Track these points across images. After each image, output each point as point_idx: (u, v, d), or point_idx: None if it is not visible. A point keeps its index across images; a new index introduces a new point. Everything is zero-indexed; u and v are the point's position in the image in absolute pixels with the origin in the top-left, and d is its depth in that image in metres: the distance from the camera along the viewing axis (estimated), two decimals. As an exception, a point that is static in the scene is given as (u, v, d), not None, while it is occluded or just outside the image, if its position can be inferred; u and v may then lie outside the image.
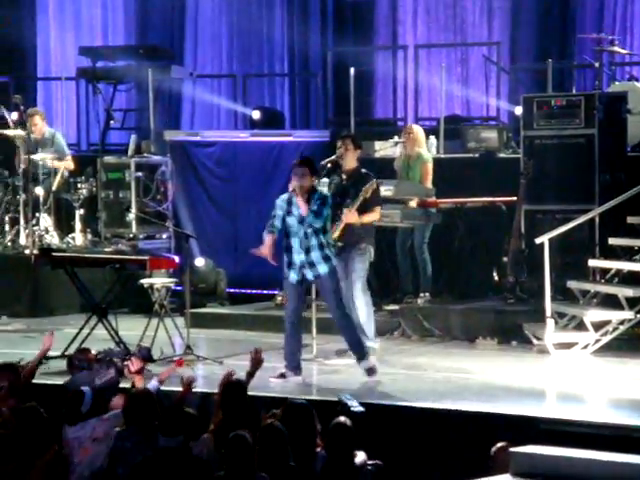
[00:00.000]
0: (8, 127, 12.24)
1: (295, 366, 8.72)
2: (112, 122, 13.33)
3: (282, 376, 8.70)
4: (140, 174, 12.48)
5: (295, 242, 8.75)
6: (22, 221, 12.09)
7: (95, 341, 9.63)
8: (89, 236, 12.36)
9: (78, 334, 9.56)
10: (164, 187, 12.63)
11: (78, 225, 12.24)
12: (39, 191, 12.16)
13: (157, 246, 12.27)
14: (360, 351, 8.77)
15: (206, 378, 8.92)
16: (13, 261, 11.96)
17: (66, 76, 14.28)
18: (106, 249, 11.99)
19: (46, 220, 12.16)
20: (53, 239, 12.06)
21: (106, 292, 9.80)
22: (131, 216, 12.18)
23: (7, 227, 12.24)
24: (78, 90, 14.53)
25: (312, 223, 8.67)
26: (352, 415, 6.57)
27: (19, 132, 12.22)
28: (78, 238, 12.19)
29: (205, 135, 13.21)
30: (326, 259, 8.73)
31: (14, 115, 12.54)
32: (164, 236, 12.63)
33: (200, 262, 12.14)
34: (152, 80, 13.06)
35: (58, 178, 12.29)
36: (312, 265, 8.70)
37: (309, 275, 8.74)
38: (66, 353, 9.33)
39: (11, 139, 12.38)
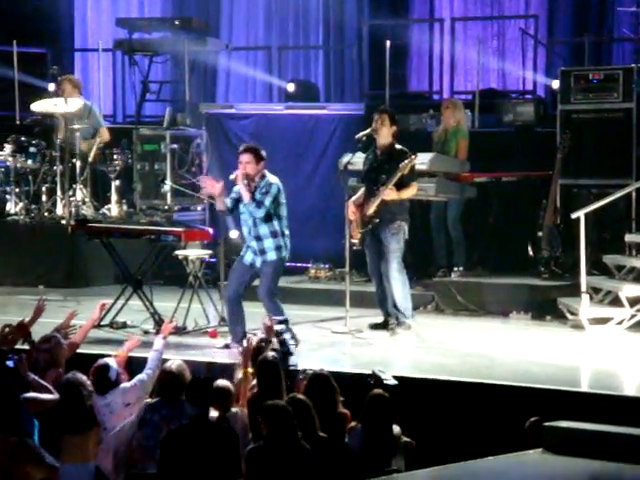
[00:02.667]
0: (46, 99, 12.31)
1: (240, 339, 8.68)
2: (148, 94, 13.35)
3: (226, 346, 8.84)
4: (175, 146, 12.51)
5: (245, 229, 8.96)
6: (59, 192, 12.17)
7: (130, 312, 9.72)
8: (124, 207, 12.41)
9: (113, 305, 9.64)
10: (199, 159, 12.65)
11: (114, 196, 12.29)
12: (76, 162, 12.23)
13: (192, 218, 12.30)
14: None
15: (239, 350, 8.95)
16: (50, 231, 12.04)
17: (103, 47, 14.31)
18: (141, 220, 12.04)
19: (82, 191, 12.23)
20: (89, 210, 12.14)
21: (141, 263, 9.87)
22: (166, 188, 12.22)
23: (44, 198, 12.33)
24: (115, 62, 14.58)
25: (252, 213, 8.79)
26: (385, 388, 6.59)
27: (56, 103, 12.26)
28: (114, 209, 12.26)
29: (240, 108, 13.21)
30: (277, 249, 8.85)
31: (51, 86, 12.59)
32: (199, 208, 12.66)
33: (234, 234, 12.14)
34: (188, 52, 13.07)
35: (94, 150, 12.34)
36: (263, 253, 8.87)
37: (258, 263, 8.90)
38: (102, 323, 9.41)
39: (49, 110, 12.43)
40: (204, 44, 13.58)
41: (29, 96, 13.22)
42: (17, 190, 12.29)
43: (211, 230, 10.22)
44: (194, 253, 9.99)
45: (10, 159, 12.27)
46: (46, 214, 12.23)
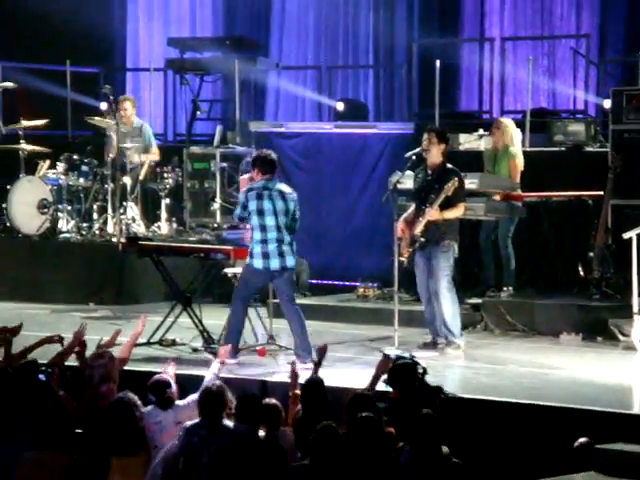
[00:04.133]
0: (99, 117, 12.43)
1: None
2: (198, 113, 13.44)
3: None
4: (225, 164, 12.57)
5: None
6: (110, 210, 12.26)
7: (180, 329, 9.75)
8: (174, 225, 12.49)
9: (163, 322, 9.67)
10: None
11: (164, 214, 12.37)
12: (127, 180, 12.32)
13: (241, 236, 12.32)
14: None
15: (287, 367, 8.96)
16: (101, 249, 12.13)
17: (154, 67, 14.43)
18: (191, 238, 12.10)
19: (133, 209, 12.31)
20: (139, 228, 12.21)
21: (190, 281, 9.90)
22: (216, 206, 12.27)
23: (95, 216, 12.42)
24: (166, 81, 14.69)
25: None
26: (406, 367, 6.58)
27: (108, 121, 12.38)
28: (163, 227, 12.33)
29: (289, 126, 13.26)
30: (249, 255, 9.07)
31: (103, 105, 12.70)
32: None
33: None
34: (238, 71, 13.14)
35: (145, 168, 12.43)
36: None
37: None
38: (151, 340, 9.45)
39: (101, 129, 12.55)
40: (254, 63, 13.66)
41: (81, 115, 13.36)
42: (69, 208, 12.40)
43: (260, 248, 10.22)
44: (243, 271, 9.97)
45: (63, 177, 12.39)
46: (97, 232, 12.32)
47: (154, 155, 12.60)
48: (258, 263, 8.99)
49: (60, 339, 7.76)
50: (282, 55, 15.07)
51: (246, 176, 9.18)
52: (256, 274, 9.05)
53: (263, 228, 8.98)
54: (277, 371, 8.82)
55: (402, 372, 6.90)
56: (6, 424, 6.34)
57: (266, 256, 8.97)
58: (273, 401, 6.69)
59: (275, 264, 8.97)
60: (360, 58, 14.89)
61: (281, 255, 8.99)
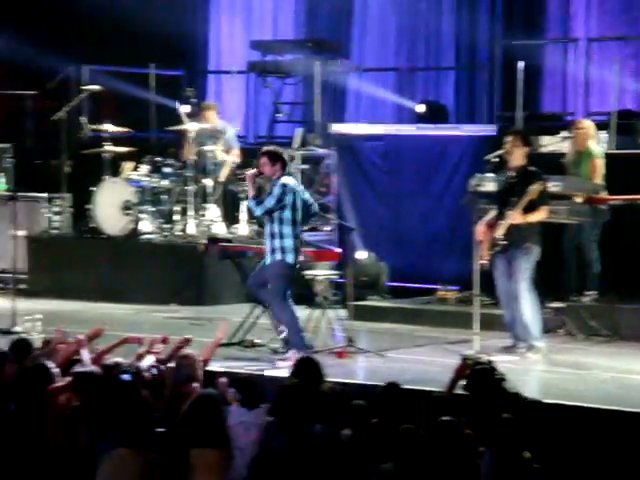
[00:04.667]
0: (181, 120, 12.55)
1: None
2: (279, 115, 13.48)
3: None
4: (305, 166, 12.59)
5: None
6: (191, 211, 12.36)
7: (259, 330, 9.78)
8: (254, 227, 12.54)
9: (243, 323, 9.72)
10: (328, 180, 12.71)
11: (243, 216, 12.43)
12: (208, 182, 12.41)
13: (320, 238, 12.34)
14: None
15: (367, 371, 8.95)
16: (182, 250, 12.23)
17: (237, 70, 14.49)
18: (271, 240, 12.12)
19: (214, 210, 12.39)
20: (220, 229, 12.29)
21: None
22: (296, 208, 12.27)
23: (177, 217, 12.53)
24: (248, 83, 14.76)
25: (250, 207, 9.22)
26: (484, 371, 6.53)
27: (191, 124, 12.48)
28: (243, 229, 12.38)
29: (370, 129, 13.23)
30: (272, 251, 9.02)
31: (186, 108, 12.82)
32: (327, 228, 12.70)
33: (362, 255, 12.17)
34: (319, 73, 13.15)
35: (226, 170, 12.50)
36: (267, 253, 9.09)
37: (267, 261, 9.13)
38: (232, 341, 9.50)
39: (183, 131, 12.66)
40: (335, 65, 13.66)
41: (164, 117, 13.50)
42: (152, 209, 12.51)
43: (339, 250, 10.24)
44: (322, 273, 10.01)
45: (146, 179, 12.51)
46: (178, 233, 12.42)
47: (234, 157, 12.67)
48: (291, 258, 9.02)
49: (139, 340, 7.83)
50: (363, 57, 15.04)
51: (254, 170, 9.25)
52: (291, 269, 9.09)
53: (295, 223, 9.05)
54: (357, 373, 8.80)
55: (480, 377, 6.84)
56: (94, 423, 6.43)
57: (297, 251, 9.07)
58: (360, 402, 6.64)
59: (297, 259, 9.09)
60: (441, 59, 14.80)
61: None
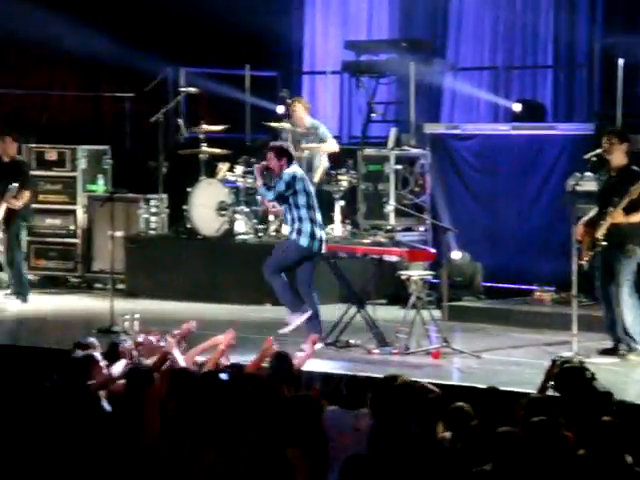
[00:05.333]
0: (274, 120, 12.61)
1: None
2: (373, 115, 13.45)
3: None
4: (399, 166, 12.55)
5: None
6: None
7: (354, 330, 9.78)
8: (348, 227, 12.54)
9: (337, 324, 9.72)
10: (423, 180, 12.65)
11: (338, 216, 12.43)
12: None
13: (414, 238, 12.29)
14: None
15: (462, 372, 8.89)
16: (276, 250, 12.26)
17: (331, 70, 14.50)
18: (364, 240, 12.12)
19: (308, 211, 12.40)
20: (314, 230, 12.29)
21: (364, 283, 9.92)
22: (390, 208, 12.27)
23: (272, 217, 12.58)
24: (342, 84, 14.76)
25: (261, 193, 9.83)
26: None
27: (285, 125, 12.53)
28: (337, 229, 12.39)
29: (465, 128, 13.13)
30: (290, 233, 9.62)
31: (280, 108, 12.86)
32: (421, 228, 12.64)
33: (457, 255, 12.09)
34: (414, 73, 13.10)
35: (320, 170, 12.52)
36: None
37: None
38: (327, 341, 9.50)
39: (278, 131, 12.72)
40: (430, 65, 13.59)
41: (259, 118, 13.57)
42: (247, 210, 12.59)
43: (434, 251, 10.18)
44: (417, 273, 9.96)
45: (241, 180, 12.59)
46: (273, 233, 12.47)
47: (331, 147, 12.61)
48: (305, 241, 9.46)
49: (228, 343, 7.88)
50: (458, 56, 14.93)
51: (262, 163, 9.81)
52: (301, 252, 9.52)
53: (310, 207, 9.55)
54: (452, 373, 8.75)
55: (569, 376, 6.73)
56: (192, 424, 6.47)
57: (313, 237, 9.47)
58: (460, 404, 6.57)
59: (317, 246, 9.50)
60: (539, 58, 14.62)
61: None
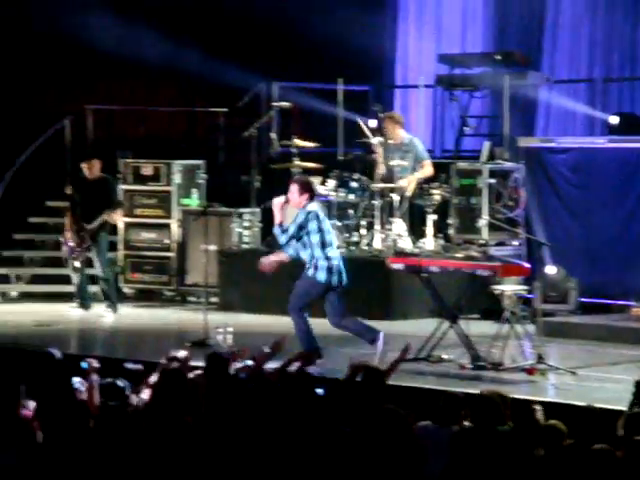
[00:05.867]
0: (367, 135, 12.60)
1: (372, 340, 9.51)
2: (466, 129, 13.36)
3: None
4: (493, 180, 12.44)
5: None
6: (377, 226, 12.37)
7: (446, 346, 9.69)
8: (440, 241, 12.46)
9: (430, 338, 9.65)
10: (516, 193, 12.51)
11: (430, 230, 12.36)
12: (394, 197, 12.39)
13: (508, 253, 12.16)
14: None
15: (558, 388, 8.75)
16: (368, 265, 12.24)
17: (424, 84, 14.45)
18: (457, 254, 12.03)
19: (400, 225, 12.37)
20: (406, 244, 12.25)
21: (457, 297, 9.83)
22: (483, 222, 12.15)
23: (363, 231, 12.56)
24: (435, 97, 14.69)
25: (275, 233, 9.64)
26: None
27: (377, 139, 12.51)
28: (429, 243, 12.31)
29: (560, 141, 12.95)
30: (307, 267, 9.56)
31: (373, 122, 12.84)
32: (515, 243, 12.51)
33: (551, 270, 11.92)
34: (508, 86, 12.98)
35: (413, 184, 12.47)
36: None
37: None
38: (419, 356, 9.43)
39: (370, 146, 12.70)
40: (524, 78, 13.46)
41: (351, 133, 13.57)
42: (339, 224, 12.58)
43: (528, 265, 10.06)
44: (510, 288, 9.84)
45: (333, 193, 12.60)
46: (365, 248, 12.45)
47: (426, 171, 12.57)
48: (322, 277, 9.51)
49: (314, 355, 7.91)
50: (554, 68, 14.77)
51: (281, 198, 9.64)
52: (319, 287, 9.55)
53: (324, 245, 9.54)
54: (548, 390, 8.61)
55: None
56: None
57: (331, 271, 9.53)
58: (554, 422, 6.46)
59: (336, 279, 9.54)
60: (637, 69, 14.38)
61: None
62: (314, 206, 9.70)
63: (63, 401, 6.67)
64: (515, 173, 12.58)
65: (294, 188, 9.63)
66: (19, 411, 6.66)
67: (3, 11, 15.44)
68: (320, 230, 9.55)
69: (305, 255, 9.60)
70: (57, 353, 7.47)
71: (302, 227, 9.53)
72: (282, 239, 9.63)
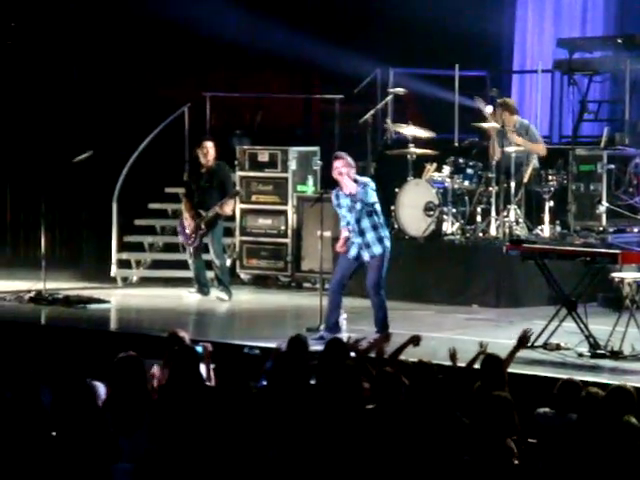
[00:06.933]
0: (485, 120, 12.50)
1: (331, 327, 9.77)
2: (586, 114, 13.16)
3: (321, 338, 9.39)
4: (612, 166, 12.23)
5: (350, 227, 9.91)
6: (493, 212, 12.26)
7: (564, 334, 9.57)
8: (558, 228, 12.30)
9: (547, 326, 9.54)
10: (637, 180, 12.29)
11: (547, 217, 12.21)
12: (511, 183, 12.27)
13: (627, 240, 11.94)
14: (380, 329, 9.60)
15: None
16: (484, 251, 12.16)
17: (542, 68, 14.26)
18: (575, 242, 11.86)
19: (516, 212, 12.25)
20: (522, 231, 12.13)
21: (575, 285, 9.69)
22: (602, 209, 11.96)
23: (479, 218, 12.46)
24: (553, 82, 14.48)
25: (363, 198, 9.78)
26: None
27: (494, 124, 12.40)
28: (546, 230, 12.17)
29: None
30: (380, 241, 9.77)
31: (489, 108, 12.73)
32: (635, 230, 12.28)
33: (674, 258, 11.65)
34: (629, 71, 12.73)
35: (529, 170, 12.32)
36: (367, 246, 9.81)
37: (365, 256, 9.81)
38: (535, 344, 9.33)
39: (486, 132, 12.59)
40: (647, 62, 13.18)
41: (468, 119, 13.46)
42: (454, 210, 12.51)
43: (649, 252, 9.87)
44: (631, 276, 9.67)
45: (448, 180, 12.53)
46: (480, 234, 12.36)
47: (539, 149, 12.42)
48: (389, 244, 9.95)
49: (417, 340, 7.89)
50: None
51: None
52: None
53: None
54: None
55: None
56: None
57: (388, 239, 9.99)
58: None
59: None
60: None
61: None
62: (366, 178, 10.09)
63: (189, 383, 6.75)
64: (636, 159, 12.35)
65: (341, 163, 9.90)
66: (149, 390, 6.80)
67: (123, 1, 15.73)
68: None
69: (362, 226, 9.84)
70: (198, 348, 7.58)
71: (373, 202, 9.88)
72: (369, 200, 9.87)
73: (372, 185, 9.97)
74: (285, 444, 6.50)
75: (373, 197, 9.90)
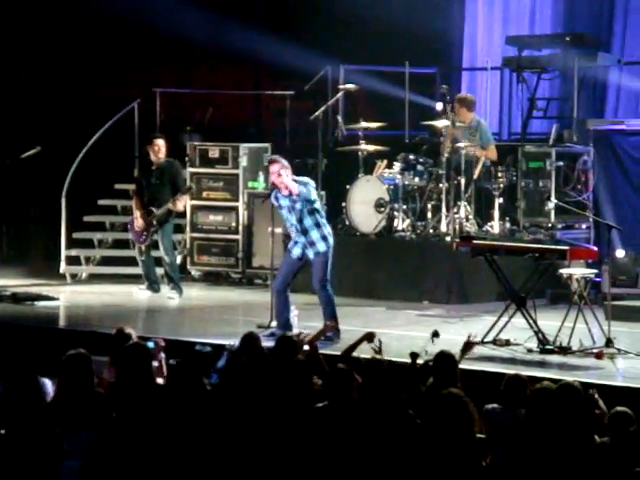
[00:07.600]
0: (434, 117, 12.55)
1: (283, 324, 9.87)
2: (535, 111, 13.24)
3: (272, 334, 9.54)
4: (561, 163, 12.32)
5: (292, 228, 9.94)
6: (444, 209, 12.31)
7: (513, 329, 9.63)
8: (507, 225, 12.37)
9: (496, 322, 9.60)
10: (585, 177, 12.39)
11: (497, 213, 12.28)
12: (461, 180, 12.32)
13: (575, 236, 12.05)
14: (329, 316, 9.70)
15: (627, 373, 8.66)
16: (434, 248, 12.21)
17: (491, 66, 14.32)
18: (524, 238, 11.94)
19: (466, 208, 12.30)
20: (472, 227, 12.19)
21: (525, 281, 9.76)
22: (550, 205, 12.05)
23: (429, 215, 12.51)
24: (502, 79, 14.56)
25: (306, 197, 9.79)
26: None
27: (444, 122, 12.44)
28: (496, 226, 12.24)
29: (631, 124, 12.80)
30: (324, 238, 9.83)
31: (439, 105, 12.77)
32: (583, 226, 12.39)
33: (621, 254, 11.78)
34: (577, 68, 12.83)
35: (479, 167, 12.39)
36: (312, 245, 9.85)
37: (310, 254, 9.85)
38: (485, 340, 9.38)
39: (436, 129, 12.63)
40: (594, 60, 13.28)
41: (418, 115, 13.50)
42: (405, 207, 12.55)
43: (596, 249, 9.96)
44: (579, 272, 9.75)
45: (399, 177, 12.56)
46: (431, 231, 12.41)
47: (490, 153, 12.52)
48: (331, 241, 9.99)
49: (371, 337, 7.90)
50: (624, 50, 14.54)
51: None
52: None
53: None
54: (616, 375, 8.53)
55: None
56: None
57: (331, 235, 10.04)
58: (622, 408, 6.36)
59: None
60: None
61: None
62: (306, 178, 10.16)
63: (138, 380, 6.71)
64: (584, 156, 12.45)
65: (272, 169, 9.93)
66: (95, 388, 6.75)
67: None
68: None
69: (304, 226, 9.86)
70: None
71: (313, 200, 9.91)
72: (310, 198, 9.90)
73: (312, 183, 10.04)
74: (250, 439, 6.50)
75: (314, 195, 9.92)
